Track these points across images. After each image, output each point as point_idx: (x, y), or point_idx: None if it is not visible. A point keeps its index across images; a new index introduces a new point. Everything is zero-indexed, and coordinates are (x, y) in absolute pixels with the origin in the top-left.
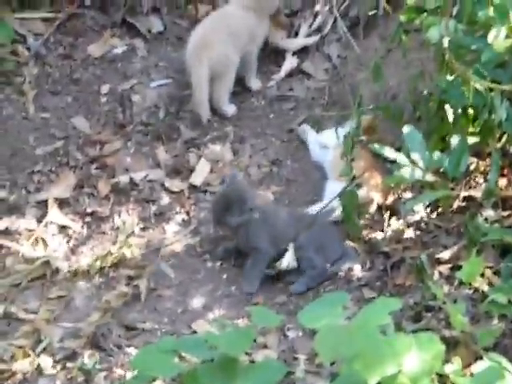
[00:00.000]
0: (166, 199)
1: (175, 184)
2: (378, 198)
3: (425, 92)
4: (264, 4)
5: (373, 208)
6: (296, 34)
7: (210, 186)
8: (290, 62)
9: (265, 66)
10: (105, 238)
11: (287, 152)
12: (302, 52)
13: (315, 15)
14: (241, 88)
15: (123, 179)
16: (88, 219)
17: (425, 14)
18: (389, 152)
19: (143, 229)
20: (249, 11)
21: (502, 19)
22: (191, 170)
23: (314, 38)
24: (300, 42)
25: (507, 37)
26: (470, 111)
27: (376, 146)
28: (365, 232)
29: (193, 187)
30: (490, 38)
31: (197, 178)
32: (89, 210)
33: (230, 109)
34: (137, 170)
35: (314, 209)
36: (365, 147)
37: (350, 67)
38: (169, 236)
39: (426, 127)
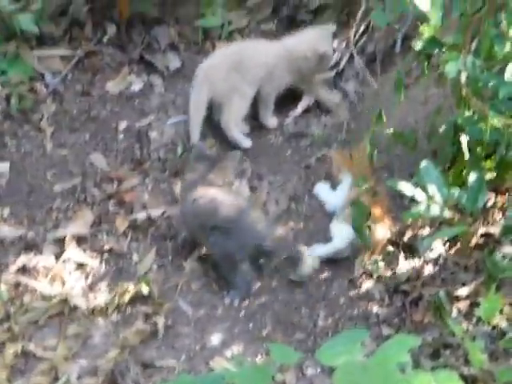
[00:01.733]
0: (183, 235)
1: None
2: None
3: (442, 127)
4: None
5: (383, 246)
6: None
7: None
8: (307, 99)
9: (282, 102)
10: (122, 274)
11: (305, 188)
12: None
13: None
14: (258, 124)
15: (141, 216)
16: (106, 256)
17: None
18: (406, 188)
19: (161, 265)
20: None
21: None
22: None
23: (331, 74)
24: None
25: None
26: (488, 147)
27: (393, 181)
28: (382, 269)
29: None
30: (508, 74)
31: None
32: (106, 247)
33: (244, 141)
34: (154, 206)
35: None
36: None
37: (367, 103)
38: (186, 272)
39: (442, 162)
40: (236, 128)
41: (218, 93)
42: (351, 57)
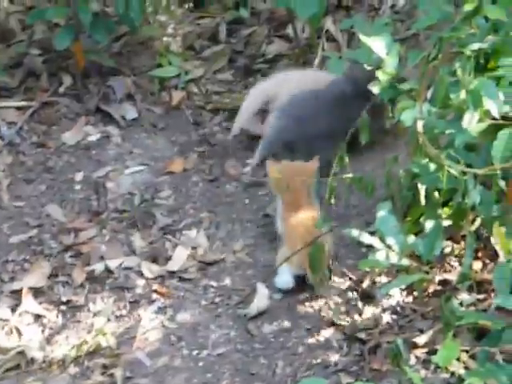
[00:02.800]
0: (141, 287)
1: (151, 271)
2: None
3: (399, 175)
4: None
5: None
6: None
7: (186, 273)
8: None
9: (239, 152)
10: (80, 326)
11: (263, 237)
12: None
13: None
14: (216, 173)
15: (98, 267)
16: (63, 308)
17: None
18: (363, 236)
19: (119, 317)
20: None
21: (476, 104)
22: (167, 257)
23: None
24: None
25: (480, 121)
26: (444, 194)
27: (350, 229)
28: (341, 317)
29: (169, 274)
30: (465, 122)
31: (173, 265)
32: (64, 299)
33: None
34: (112, 257)
35: None
36: None
37: None
38: (144, 324)
39: (399, 210)
40: None
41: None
42: None
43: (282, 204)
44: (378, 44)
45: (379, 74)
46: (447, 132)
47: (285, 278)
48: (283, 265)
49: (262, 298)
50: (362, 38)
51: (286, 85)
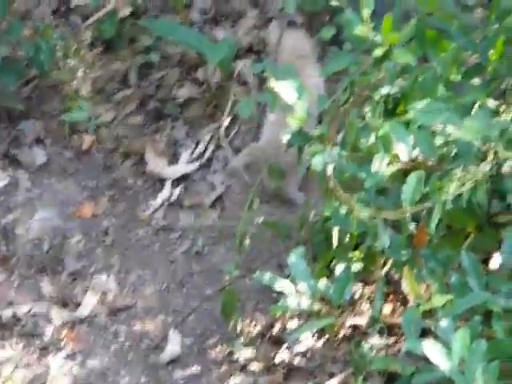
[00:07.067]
0: (50, 333)
1: (60, 317)
2: None
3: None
4: None
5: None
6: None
7: (96, 319)
8: (168, 190)
9: (150, 196)
10: None
11: (174, 281)
12: (187, 180)
13: (197, 143)
14: (127, 218)
15: (6, 313)
16: None
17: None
18: (274, 281)
19: (27, 364)
20: None
21: (387, 147)
22: (77, 303)
23: (194, 165)
24: (180, 169)
25: (390, 164)
26: (355, 238)
27: (261, 274)
28: (252, 363)
29: (79, 320)
30: (374, 165)
31: (83, 311)
32: None
33: None
34: (21, 303)
35: None
36: None
37: (235, 196)
38: (54, 371)
39: (311, 253)
40: None
41: None
42: (217, 149)
43: None
44: (286, 88)
45: (289, 119)
46: (358, 175)
47: None
48: None
49: (174, 345)
50: (272, 82)
51: None
